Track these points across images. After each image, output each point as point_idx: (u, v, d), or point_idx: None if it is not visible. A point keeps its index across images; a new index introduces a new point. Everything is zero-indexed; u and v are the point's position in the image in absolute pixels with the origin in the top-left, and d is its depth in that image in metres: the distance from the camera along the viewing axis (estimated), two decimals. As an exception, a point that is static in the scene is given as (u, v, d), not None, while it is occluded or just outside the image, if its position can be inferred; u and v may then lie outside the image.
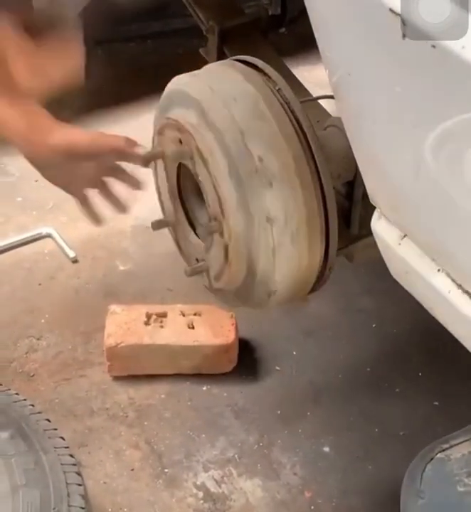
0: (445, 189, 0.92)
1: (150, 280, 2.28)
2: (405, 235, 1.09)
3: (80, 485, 1.56)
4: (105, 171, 1.43)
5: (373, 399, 2.02)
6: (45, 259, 2.33)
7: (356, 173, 1.49)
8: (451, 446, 1.30)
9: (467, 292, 1.01)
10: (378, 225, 1.15)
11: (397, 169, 1.00)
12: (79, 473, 1.58)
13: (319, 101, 1.74)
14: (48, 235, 2.38)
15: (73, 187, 1.47)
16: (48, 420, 1.66)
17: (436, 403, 2.00)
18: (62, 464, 1.57)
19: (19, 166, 2.60)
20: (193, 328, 2.03)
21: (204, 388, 2.03)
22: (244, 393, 2.03)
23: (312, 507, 1.81)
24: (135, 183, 1.43)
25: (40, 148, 1.34)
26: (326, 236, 1.40)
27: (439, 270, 1.04)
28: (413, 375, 2.08)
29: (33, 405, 1.68)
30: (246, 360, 2.09)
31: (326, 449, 1.92)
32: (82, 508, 1.51)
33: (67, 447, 1.62)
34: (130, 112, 2.74)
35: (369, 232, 1.29)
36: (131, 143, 1.35)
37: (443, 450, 1.30)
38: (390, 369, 2.09)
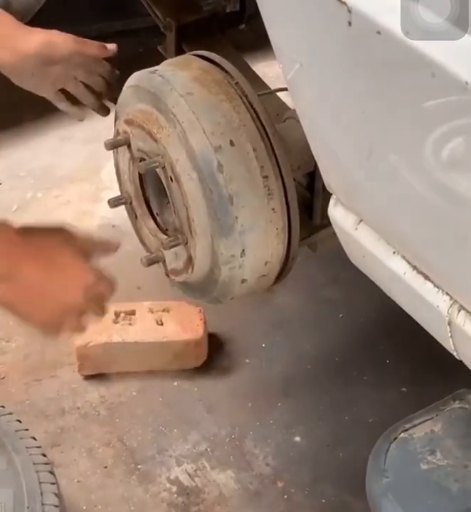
0: (396, 174, 0.94)
1: (118, 279, 2.27)
2: (360, 220, 1.12)
3: (53, 484, 1.56)
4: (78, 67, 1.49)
5: (342, 387, 2.05)
6: (11, 262, 2.33)
7: (316, 164, 1.51)
8: (414, 426, 1.33)
9: (421, 273, 1.03)
10: (335, 212, 1.17)
11: (349, 155, 1.02)
12: (52, 472, 1.58)
13: (279, 94, 1.76)
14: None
15: (45, 88, 1.49)
16: (19, 421, 1.66)
17: (404, 389, 2.03)
18: (34, 464, 1.57)
19: (-17, 170, 2.61)
20: (161, 324, 2.05)
21: (175, 384, 2.04)
22: (215, 387, 2.05)
23: (285, 496, 1.83)
24: (112, 77, 1.48)
25: (17, 56, 1.37)
26: (288, 227, 1.42)
27: (394, 253, 1.07)
28: (380, 362, 2.11)
29: (3, 407, 1.68)
30: (216, 355, 2.11)
31: (298, 438, 1.94)
32: (56, 506, 1.51)
33: (39, 447, 1.62)
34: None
35: (330, 222, 1.31)
36: (108, 50, 1.42)
37: (406, 429, 1.33)
38: (358, 357, 2.12)
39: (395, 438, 1.31)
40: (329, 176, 1.15)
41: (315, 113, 1.06)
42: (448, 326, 1.02)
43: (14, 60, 1.40)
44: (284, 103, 1.69)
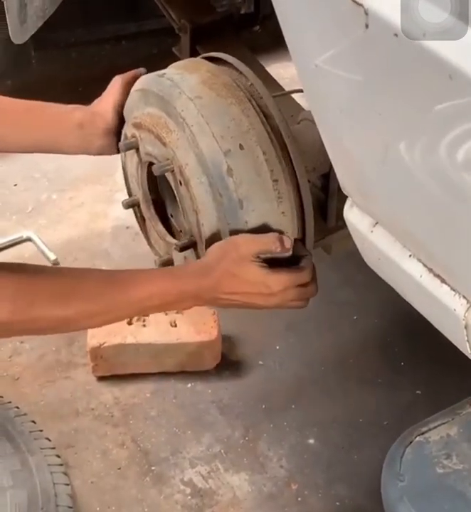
0: (412, 175, 0.93)
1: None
2: (376, 223, 1.11)
3: (67, 484, 1.57)
4: None
5: (356, 390, 2.04)
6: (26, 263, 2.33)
7: (331, 166, 1.51)
8: (429, 429, 1.32)
9: (438, 276, 1.03)
10: (351, 214, 1.17)
11: (365, 157, 1.02)
12: (65, 473, 1.59)
13: (294, 96, 1.76)
14: (28, 239, 2.38)
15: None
16: (34, 422, 1.67)
17: (419, 392, 2.02)
18: (48, 465, 1.59)
19: (-3, 171, 2.62)
20: (175, 326, 2.05)
21: (189, 385, 2.04)
22: (228, 389, 2.04)
23: (299, 498, 1.82)
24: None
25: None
26: (303, 229, 1.41)
27: (410, 256, 1.06)
28: (395, 364, 2.10)
29: (18, 407, 1.69)
30: (229, 357, 2.11)
31: (312, 440, 1.94)
32: (70, 507, 1.53)
33: (53, 448, 1.63)
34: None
35: (345, 224, 1.31)
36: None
37: (422, 433, 1.32)
38: (372, 359, 2.11)
39: (411, 442, 1.30)
40: (345, 178, 1.15)
41: (330, 115, 1.06)
42: (465, 330, 1.01)
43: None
44: (299, 105, 1.69)
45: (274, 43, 2.83)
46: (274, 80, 1.85)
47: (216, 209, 1.37)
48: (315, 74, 1.01)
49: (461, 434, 1.28)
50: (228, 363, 2.09)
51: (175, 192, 1.45)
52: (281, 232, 1.38)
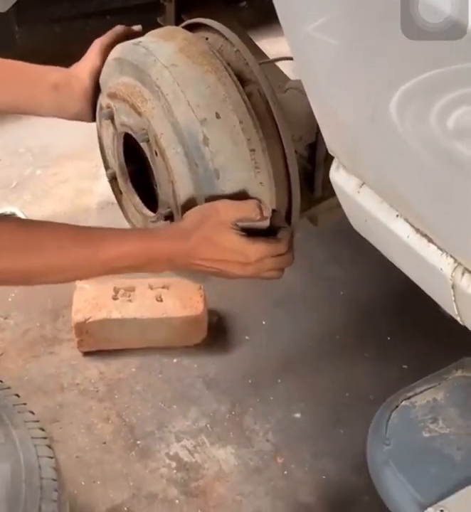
0: (399, 133, 0.92)
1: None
2: (363, 183, 1.09)
3: (51, 457, 1.54)
4: None
5: (342, 365, 2.03)
6: (10, 239, 2.31)
7: (318, 136, 1.49)
8: (416, 394, 1.31)
9: (425, 236, 1.01)
10: (337, 175, 1.15)
11: (353, 118, 1.00)
12: (50, 446, 1.56)
13: (280, 67, 1.74)
14: (12, 214, 2.36)
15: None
16: (17, 395, 1.64)
17: (405, 366, 2.02)
18: (32, 438, 1.56)
19: (-19, 147, 2.59)
20: (161, 301, 2.03)
21: (175, 360, 2.03)
22: (215, 364, 2.03)
23: (285, 472, 1.82)
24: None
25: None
26: (289, 197, 1.39)
27: (397, 216, 1.05)
28: (381, 339, 2.10)
29: (1, 381, 1.67)
30: (216, 332, 2.10)
31: (298, 415, 1.93)
32: (54, 480, 1.50)
33: (37, 421, 1.60)
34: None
35: (332, 193, 1.29)
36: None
37: (408, 398, 1.31)
38: (359, 335, 2.11)
39: (397, 406, 1.29)
40: (332, 139, 1.13)
41: (318, 75, 1.04)
42: (452, 290, 1.00)
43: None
44: (285, 75, 1.67)
45: (261, 18, 2.82)
46: (261, 51, 1.83)
47: (192, 179, 1.35)
48: (302, 36, 0.99)
49: (447, 398, 1.27)
50: (214, 338, 2.08)
51: (151, 163, 1.42)
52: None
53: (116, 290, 2.04)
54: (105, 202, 2.44)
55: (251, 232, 1.34)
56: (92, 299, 2.02)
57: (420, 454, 1.21)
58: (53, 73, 1.53)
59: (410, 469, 1.19)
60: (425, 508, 1.14)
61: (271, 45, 2.68)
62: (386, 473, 1.22)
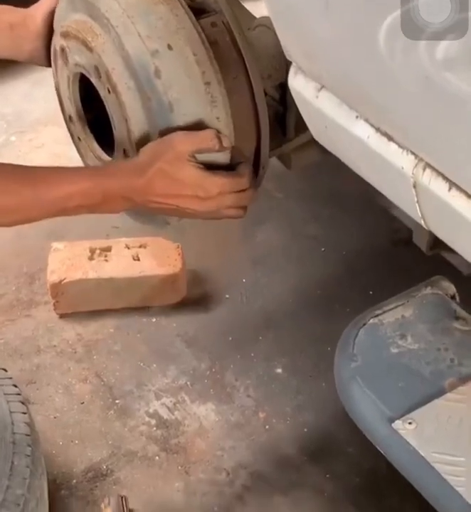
0: (354, 25, 0.88)
1: (94, 218, 2.19)
2: (322, 87, 1.06)
3: (24, 413, 1.51)
4: None
5: (324, 320, 2.00)
6: (-16, 204, 2.27)
7: (288, 75, 1.46)
8: (384, 312, 1.29)
9: (385, 134, 0.98)
10: (295, 82, 1.12)
11: (307, 10, 0.96)
12: (23, 402, 1.53)
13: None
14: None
15: None
16: (-11, 353, 1.62)
17: (387, 320, 1.99)
18: (5, 394, 1.53)
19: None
20: (138, 260, 2.00)
21: (153, 320, 2.00)
22: (194, 323, 2.00)
23: (267, 427, 1.79)
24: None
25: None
26: (258, 135, 1.36)
27: (357, 117, 1.01)
28: (363, 294, 2.07)
29: (-27, 340, 1.64)
30: (195, 291, 2.06)
31: (279, 370, 1.90)
32: (27, 435, 1.47)
33: (10, 378, 1.57)
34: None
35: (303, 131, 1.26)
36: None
37: (376, 316, 1.29)
38: (340, 290, 2.08)
39: (365, 324, 1.27)
40: (288, 40, 1.08)
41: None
42: (414, 189, 0.96)
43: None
44: (254, 16, 1.63)
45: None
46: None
47: (146, 114, 1.31)
48: None
49: (416, 315, 1.25)
50: (193, 297, 2.05)
51: (104, 101, 1.38)
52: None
53: (92, 250, 2.00)
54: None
55: (210, 168, 1.30)
56: (67, 260, 1.98)
57: (388, 370, 1.19)
58: (9, 13, 1.50)
59: (377, 384, 1.16)
60: (393, 421, 1.11)
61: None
62: (353, 389, 1.20)
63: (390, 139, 0.97)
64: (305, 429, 1.78)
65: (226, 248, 2.19)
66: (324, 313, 2.02)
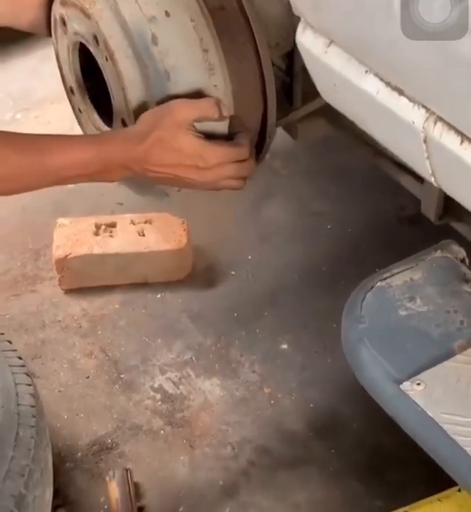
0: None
1: (100, 195, 2.23)
2: (331, 42, 1.04)
3: (29, 385, 1.51)
4: None
5: (329, 297, 1.99)
6: (-11, 180, 2.27)
7: (295, 45, 1.45)
8: (392, 275, 1.27)
9: (395, 88, 0.96)
10: (303, 38, 1.10)
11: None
12: (28, 374, 1.53)
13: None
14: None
15: None
16: (-6, 326, 1.62)
17: (393, 297, 1.98)
18: (10, 366, 1.53)
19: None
20: (143, 235, 2.00)
21: (158, 296, 2.00)
22: (199, 299, 2.00)
23: (272, 402, 1.79)
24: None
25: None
26: (264, 100, 1.34)
27: (367, 72, 1.00)
28: (369, 271, 2.04)
29: (-23, 312, 1.64)
30: (200, 267, 2.06)
31: (284, 346, 1.90)
32: (32, 406, 1.47)
33: (15, 350, 1.57)
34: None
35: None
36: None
37: (384, 279, 1.27)
38: (346, 267, 2.06)
39: (372, 287, 1.26)
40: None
41: None
42: (424, 144, 0.95)
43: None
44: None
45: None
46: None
47: (143, 82, 1.30)
48: None
49: (426, 278, 1.23)
50: (198, 273, 2.04)
51: (102, 70, 1.36)
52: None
53: (97, 226, 2.00)
54: (87, 143, 2.39)
55: (208, 138, 1.28)
56: (72, 235, 1.98)
57: (396, 332, 1.18)
58: None
59: (385, 346, 1.15)
60: (401, 383, 1.10)
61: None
62: (360, 351, 1.19)
63: (400, 93, 0.95)
64: (311, 405, 1.78)
65: (232, 225, 2.18)
66: (330, 290, 2.01)
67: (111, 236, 1.99)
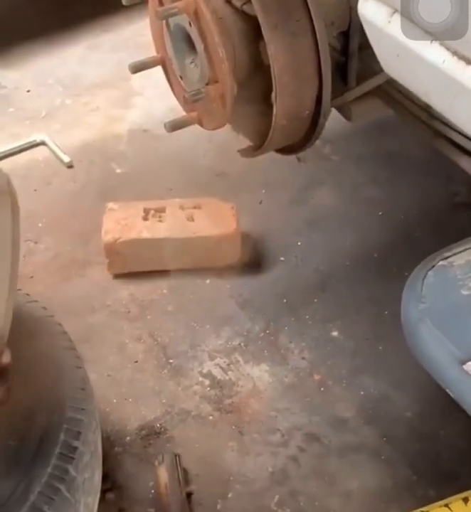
0: None
1: (149, 181, 2.22)
2: (394, 11, 1.01)
3: (79, 367, 1.51)
4: None
5: (381, 283, 1.96)
6: (39, 166, 2.28)
7: (350, 24, 1.42)
8: (454, 254, 1.24)
9: (462, 58, 0.93)
10: (366, 8, 1.07)
11: None
12: (78, 357, 1.53)
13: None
14: (42, 143, 2.32)
15: None
16: (44, 308, 1.61)
17: (447, 284, 1.94)
18: (60, 348, 1.52)
19: (11, 77, 2.56)
20: (193, 220, 1.98)
21: (207, 281, 1.98)
22: (248, 285, 1.98)
23: (322, 389, 1.76)
24: None
25: None
26: (319, 79, 1.32)
27: (432, 41, 0.96)
28: (422, 257, 1.99)
29: (28, 294, 1.63)
30: (250, 254, 2.04)
31: (335, 333, 1.87)
32: (82, 389, 1.47)
33: (65, 332, 1.57)
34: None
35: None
36: None
37: (445, 258, 1.24)
38: (398, 253, 2.03)
39: (433, 266, 1.22)
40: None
41: None
42: None
43: None
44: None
45: None
46: None
47: None
48: None
49: (490, 258, 1.19)
50: (248, 259, 2.02)
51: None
52: None
53: (146, 211, 1.99)
54: (136, 130, 2.39)
55: None
56: (122, 220, 1.97)
57: (459, 311, 1.14)
58: None
59: (447, 325, 1.12)
60: (464, 363, 1.07)
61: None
62: (422, 331, 1.15)
63: (468, 62, 0.92)
64: (362, 392, 1.74)
65: (281, 210, 2.16)
66: (382, 277, 1.98)
67: (160, 221, 1.98)
